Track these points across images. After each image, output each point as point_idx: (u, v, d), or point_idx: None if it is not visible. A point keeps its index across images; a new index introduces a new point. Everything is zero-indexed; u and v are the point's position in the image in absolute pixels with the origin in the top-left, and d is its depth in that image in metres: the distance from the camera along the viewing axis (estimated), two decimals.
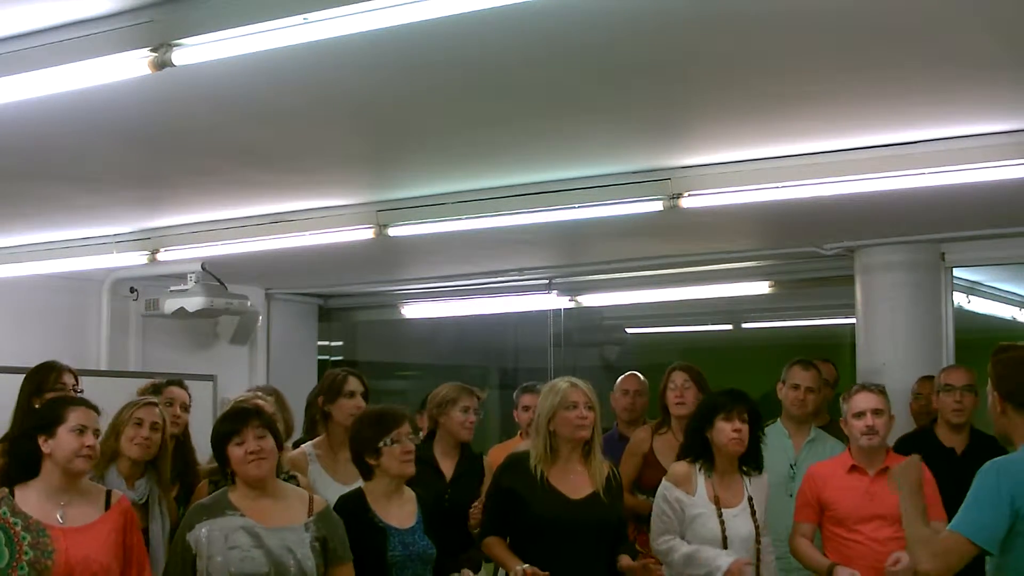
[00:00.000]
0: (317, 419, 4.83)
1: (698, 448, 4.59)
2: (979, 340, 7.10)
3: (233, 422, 3.89)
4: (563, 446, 4.35)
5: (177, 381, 5.20)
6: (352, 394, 4.70)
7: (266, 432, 3.86)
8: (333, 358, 9.80)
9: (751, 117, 4.28)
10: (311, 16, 2.95)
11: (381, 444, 4.09)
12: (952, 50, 3.51)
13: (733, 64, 3.64)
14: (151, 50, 3.21)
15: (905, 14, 3.20)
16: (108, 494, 3.85)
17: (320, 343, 9.55)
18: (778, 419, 5.37)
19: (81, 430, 3.70)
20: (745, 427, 4.53)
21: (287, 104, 4.06)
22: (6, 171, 5.08)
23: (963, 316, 6.99)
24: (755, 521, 4.53)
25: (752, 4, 3.14)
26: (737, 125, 4.40)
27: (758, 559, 4.49)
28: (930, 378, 5.93)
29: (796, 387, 5.28)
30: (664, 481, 4.60)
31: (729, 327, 9.60)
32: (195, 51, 3.21)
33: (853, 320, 6.81)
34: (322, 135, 4.57)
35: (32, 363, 5.00)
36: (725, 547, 4.41)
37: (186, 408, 5.07)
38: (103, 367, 7.92)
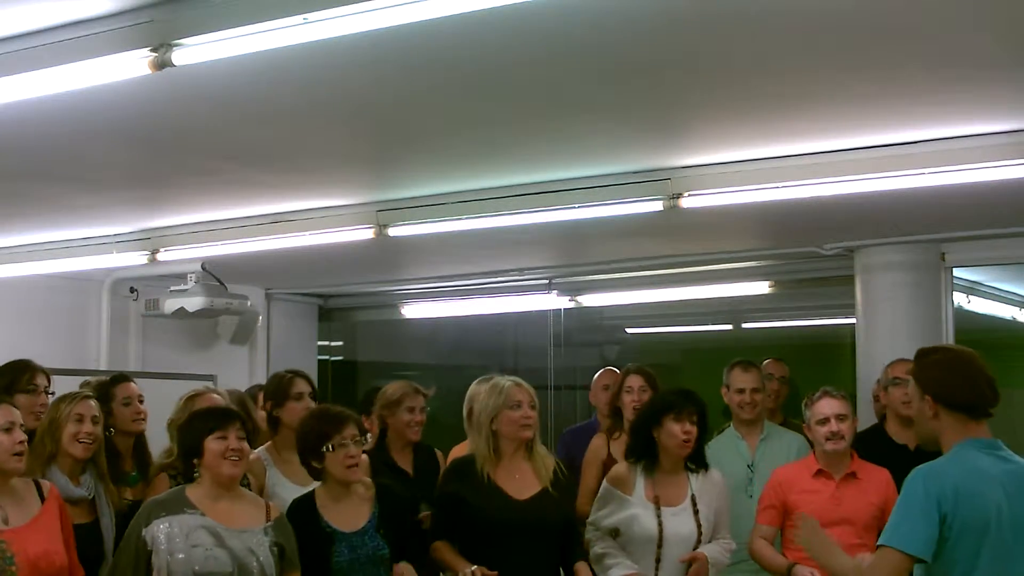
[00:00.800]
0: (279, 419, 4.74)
1: (643, 446, 4.56)
2: (979, 340, 7.09)
3: (219, 419, 3.88)
4: (506, 445, 4.34)
5: (123, 376, 4.97)
6: (300, 396, 4.65)
7: (245, 436, 3.88)
8: (333, 358, 9.80)
9: (751, 117, 4.28)
10: (311, 16, 2.95)
11: (324, 448, 4.02)
12: (952, 50, 3.51)
13: (733, 64, 3.64)
14: (151, 50, 3.21)
15: (905, 14, 3.20)
16: (37, 485, 3.79)
17: (320, 343, 9.54)
18: (729, 424, 5.35)
19: (8, 428, 3.64)
20: (695, 429, 4.50)
21: (287, 104, 4.06)
22: (6, 171, 5.08)
23: (963, 316, 6.98)
24: (698, 520, 4.49)
25: (752, 4, 3.14)
26: (737, 125, 4.40)
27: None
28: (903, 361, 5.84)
29: (741, 391, 5.25)
30: (605, 481, 4.63)
31: (729, 327, 9.59)
32: (195, 51, 3.21)
33: (853, 320, 6.81)
34: (322, 135, 4.57)
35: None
36: (660, 546, 4.41)
37: (142, 400, 4.87)
38: (103, 367, 7.91)
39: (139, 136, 4.52)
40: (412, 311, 9.35)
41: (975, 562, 3.07)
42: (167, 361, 8.04)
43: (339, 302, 9.52)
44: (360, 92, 3.94)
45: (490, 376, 4.54)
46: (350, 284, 8.87)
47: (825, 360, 6.30)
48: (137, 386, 4.90)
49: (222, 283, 7.51)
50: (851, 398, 4.86)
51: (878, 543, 3.17)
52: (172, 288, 7.51)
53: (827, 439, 4.61)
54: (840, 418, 4.62)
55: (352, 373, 10.06)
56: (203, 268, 7.27)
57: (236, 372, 8.38)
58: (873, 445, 4.97)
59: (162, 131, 4.44)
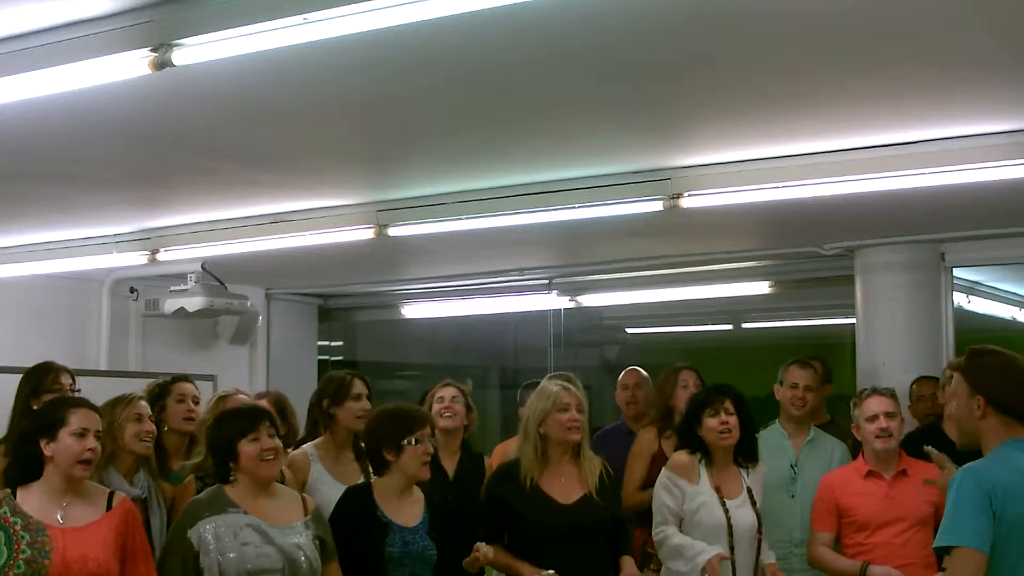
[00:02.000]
0: (319, 420, 4.82)
1: (694, 446, 4.60)
2: (979, 340, 7.08)
3: (248, 420, 3.88)
4: (554, 449, 4.34)
5: (183, 376, 5.19)
6: (359, 397, 4.68)
7: (275, 433, 3.89)
8: (333, 358, 9.80)
9: (751, 117, 4.28)
10: (311, 16, 2.95)
11: (404, 442, 4.06)
12: (952, 50, 3.51)
13: (733, 64, 3.64)
14: (151, 50, 3.21)
15: (905, 14, 3.20)
16: (111, 495, 3.83)
17: (320, 343, 9.55)
18: (776, 421, 5.36)
19: (82, 433, 3.68)
20: (732, 418, 4.53)
21: (287, 104, 4.06)
22: (6, 171, 5.08)
23: (963, 316, 6.98)
24: (756, 512, 4.53)
25: (752, 4, 3.14)
26: (737, 125, 4.40)
27: (758, 550, 4.49)
28: (928, 379, 5.93)
29: (795, 386, 5.25)
30: (664, 470, 4.60)
31: (729, 327, 9.60)
32: (195, 51, 3.21)
33: (853, 320, 6.81)
34: (322, 135, 4.57)
35: (32, 363, 5.00)
36: (731, 535, 4.41)
37: (197, 401, 5.08)
38: (103, 367, 7.91)
39: (139, 136, 4.52)
40: (412, 311, 9.35)
41: (1021, 561, 3.09)
42: (167, 361, 8.03)
43: (339, 302, 9.52)
44: (360, 92, 3.94)
45: (537, 380, 4.55)
46: (350, 284, 8.87)
47: (825, 360, 6.30)
48: (194, 387, 5.08)
49: (222, 283, 7.51)
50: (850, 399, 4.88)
51: (941, 544, 3.15)
52: (172, 288, 7.50)
53: (877, 437, 4.61)
54: (889, 415, 4.64)
55: None
56: (203, 268, 7.26)
57: (236, 372, 8.38)
58: (929, 443, 4.99)
59: (162, 131, 4.44)
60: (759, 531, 4.51)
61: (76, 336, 7.98)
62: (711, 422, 4.53)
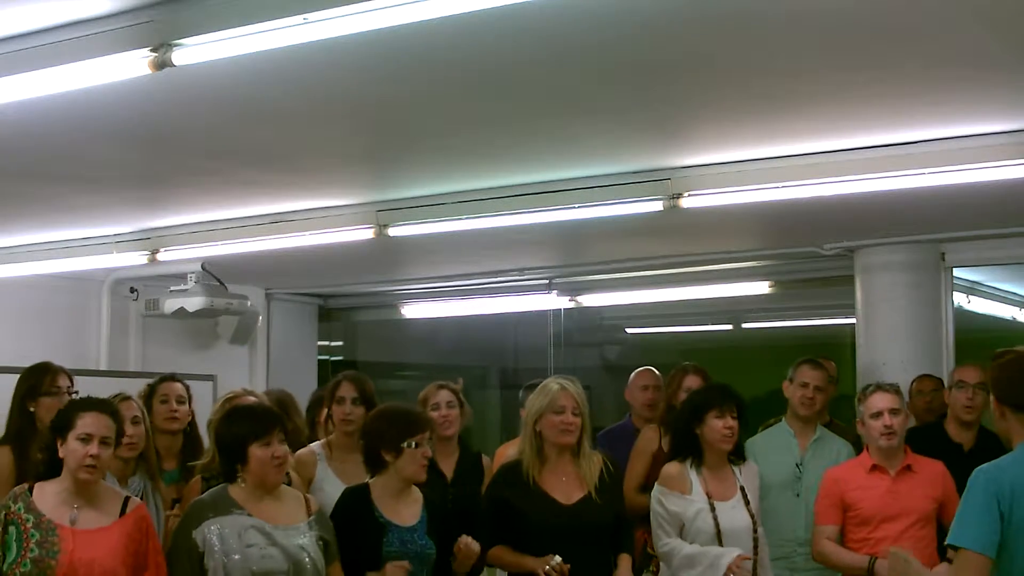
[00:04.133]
0: (318, 422, 4.82)
1: (688, 444, 4.59)
2: (979, 340, 7.11)
3: (262, 424, 3.85)
4: (550, 448, 4.34)
5: (169, 376, 5.15)
6: (342, 400, 4.66)
7: (284, 438, 3.88)
8: (333, 358, 9.80)
9: (751, 117, 4.28)
10: (311, 16, 2.95)
11: (404, 444, 4.05)
12: (952, 50, 3.51)
13: (733, 64, 3.64)
14: (151, 50, 3.21)
15: (905, 14, 3.20)
16: (126, 501, 3.82)
17: (320, 343, 9.54)
18: (782, 418, 5.35)
19: (86, 439, 3.67)
20: (736, 424, 4.54)
21: (287, 104, 4.06)
22: (6, 171, 5.08)
23: (963, 316, 6.99)
24: (750, 512, 4.53)
25: (752, 4, 3.14)
26: (737, 125, 4.40)
27: (755, 550, 4.49)
28: (928, 377, 5.95)
29: (805, 385, 5.20)
30: (657, 485, 4.60)
31: (729, 327, 9.59)
32: (195, 51, 3.21)
33: (853, 320, 6.81)
34: (322, 135, 4.57)
35: (32, 363, 4.99)
36: (720, 541, 4.41)
37: (182, 401, 5.04)
38: (103, 367, 7.92)
39: (139, 136, 4.52)
40: (412, 311, 9.35)
41: None
42: (167, 361, 8.01)
43: (339, 302, 9.52)
44: (360, 92, 3.94)
45: (539, 381, 4.56)
46: (350, 284, 8.87)
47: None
48: (181, 386, 5.06)
49: (222, 283, 7.51)
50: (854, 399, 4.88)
51: (948, 542, 3.21)
52: (172, 288, 7.50)
53: (882, 434, 4.61)
54: (893, 412, 4.64)
55: None
56: (203, 268, 7.26)
57: (236, 372, 8.38)
58: (930, 442, 5.00)
59: (162, 131, 4.44)
60: (755, 531, 4.51)
61: (76, 336, 7.99)
62: (716, 423, 4.52)
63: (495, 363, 10.47)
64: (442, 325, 9.76)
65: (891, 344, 6.49)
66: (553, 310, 8.58)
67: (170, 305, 7.49)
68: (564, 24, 3.24)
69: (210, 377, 7.53)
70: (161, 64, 3.23)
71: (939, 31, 3.34)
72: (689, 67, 3.68)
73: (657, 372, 6.00)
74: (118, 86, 3.51)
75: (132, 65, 3.27)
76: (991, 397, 3.40)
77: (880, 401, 4.66)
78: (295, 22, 2.98)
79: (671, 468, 4.60)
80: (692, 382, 5.38)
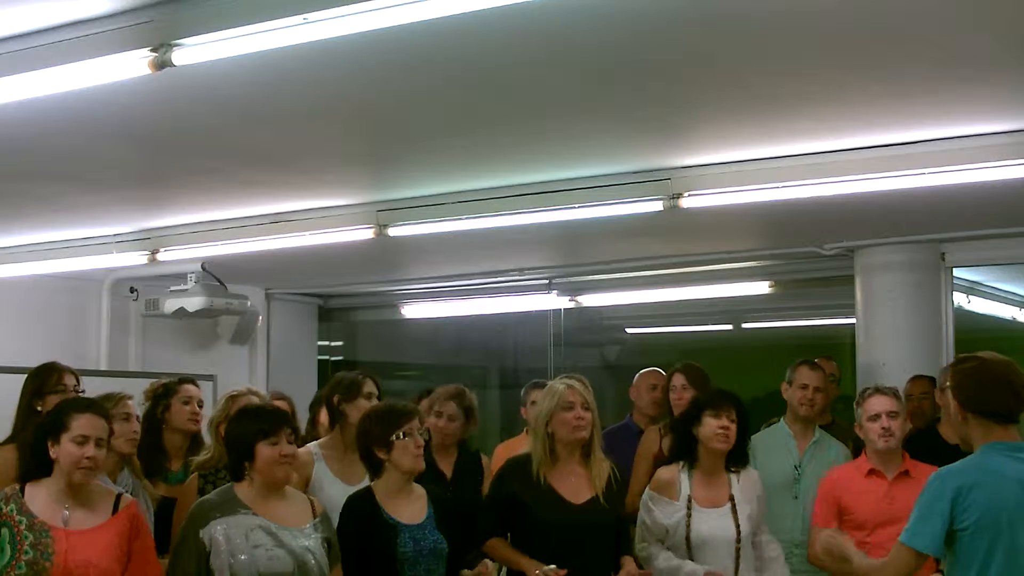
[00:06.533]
0: (318, 420, 4.82)
1: (685, 444, 4.59)
2: (979, 340, 7.09)
3: (270, 422, 3.84)
4: (562, 448, 4.34)
5: (188, 379, 5.19)
6: (370, 396, 4.67)
7: (292, 438, 3.88)
8: (333, 358, 9.80)
9: (751, 117, 4.28)
10: (311, 16, 2.95)
11: (393, 438, 4.04)
12: (952, 50, 3.51)
13: (733, 64, 3.65)
14: (151, 50, 3.22)
15: (905, 14, 3.21)
16: (118, 498, 3.81)
17: (320, 343, 9.55)
18: (781, 419, 5.34)
19: (82, 441, 3.65)
20: (733, 426, 4.51)
21: (287, 104, 4.06)
22: (6, 171, 5.08)
23: (963, 316, 6.99)
24: (736, 522, 4.50)
25: (752, 4, 3.14)
26: (737, 125, 4.40)
27: (737, 561, 4.47)
28: (921, 378, 5.93)
29: (804, 387, 5.20)
30: (647, 490, 4.61)
31: (729, 327, 9.59)
32: (195, 51, 3.21)
33: (853, 320, 6.81)
34: (322, 135, 4.57)
35: (33, 363, 4.98)
36: (689, 547, 4.42)
37: (201, 404, 5.09)
38: (103, 367, 7.92)
39: (139, 136, 4.52)
40: (412, 311, 9.35)
41: (990, 560, 3.22)
42: (167, 361, 8.03)
43: (339, 302, 9.53)
44: (360, 92, 3.94)
45: (541, 380, 4.56)
46: (350, 284, 8.88)
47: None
48: (199, 389, 5.12)
49: (222, 283, 7.51)
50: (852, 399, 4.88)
51: (900, 538, 3.36)
52: (172, 288, 7.51)
53: (879, 436, 4.60)
54: (892, 415, 4.62)
55: None
56: (203, 268, 7.27)
57: (236, 372, 8.38)
58: (926, 445, 4.98)
59: (162, 131, 4.44)
60: (738, 541, 4.48)
61: (76, 336, 7.99)
62: (712, 422, 4.51)
63: (495, 363, 10.47)
64: (442, 325, 9.77)
65: (891, 344, 6.49)
66: (553, 310, 8.59)
67: (170, 305, 7.50)
68: (564, 24, 3.24)
69: (210, 377, 7.52)
70: (161, 64, 3.23)
71: (939, 31, 3.34)
72: (689, 67, 3.68)
73: (663, 372, 6.01)
74: (118, 86, 3.51)
75: (132, 65, 3.28)
76: (953, 400, 3.46)
77: (878, 404, 4.65)
78: (295, 22, 2.99)
79: (663, 473, 4.61)
80: (677, 380, 5.41)
